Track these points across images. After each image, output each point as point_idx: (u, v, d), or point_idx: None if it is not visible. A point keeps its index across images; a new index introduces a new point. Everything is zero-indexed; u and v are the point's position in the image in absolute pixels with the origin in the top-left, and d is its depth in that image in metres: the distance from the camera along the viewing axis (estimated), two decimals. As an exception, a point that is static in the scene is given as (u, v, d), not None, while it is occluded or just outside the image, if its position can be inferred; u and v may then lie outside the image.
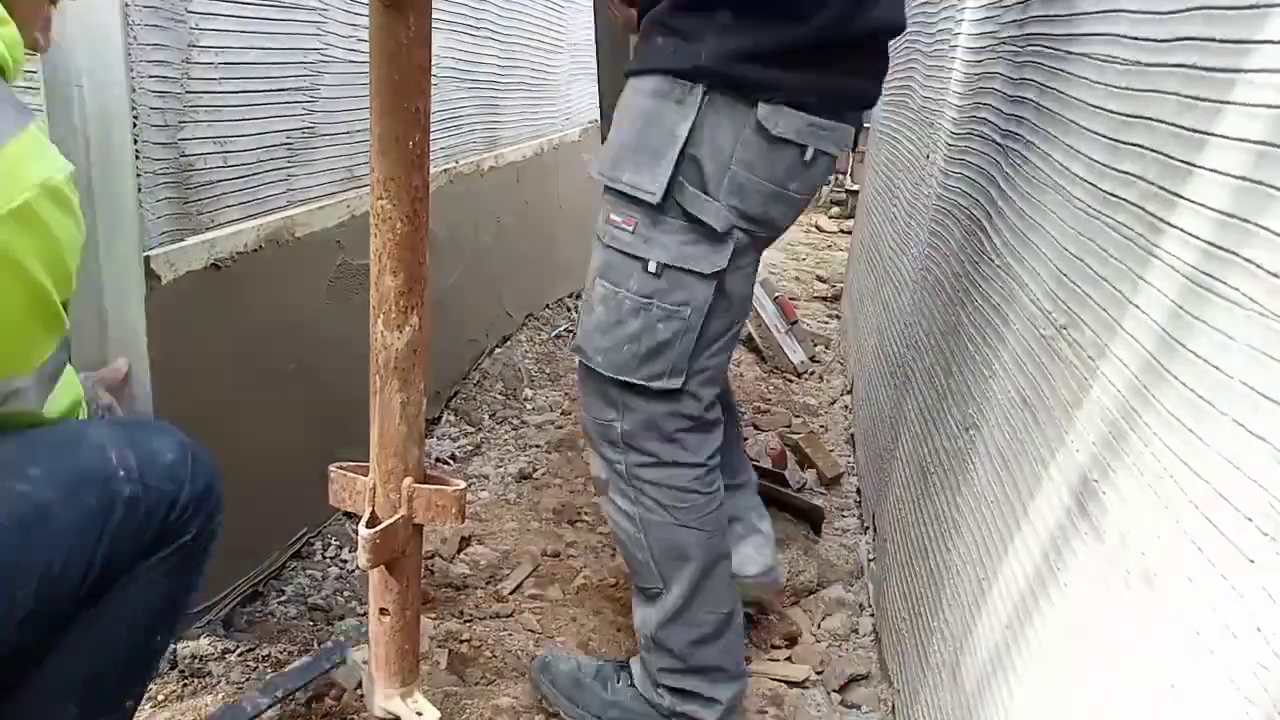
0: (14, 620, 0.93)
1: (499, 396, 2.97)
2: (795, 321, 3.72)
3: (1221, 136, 0.72)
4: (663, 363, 1.41)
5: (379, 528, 1.21)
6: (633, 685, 1.58)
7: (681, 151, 1.32)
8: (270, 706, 1.44)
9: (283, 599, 1.82)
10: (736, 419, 1.92)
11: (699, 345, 1.42)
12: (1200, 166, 0.75)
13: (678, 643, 1.52)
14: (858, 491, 2.54)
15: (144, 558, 1.04)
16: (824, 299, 4.72)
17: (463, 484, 1.25)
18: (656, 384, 1.42)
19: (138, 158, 1.35)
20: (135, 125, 1.33)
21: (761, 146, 1.34)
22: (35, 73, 1.30)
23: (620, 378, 1.42)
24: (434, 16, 1.09)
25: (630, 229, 1.37)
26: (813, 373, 3.56)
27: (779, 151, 1.35)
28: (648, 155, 1.34)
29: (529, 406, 2.97)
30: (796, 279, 5.10)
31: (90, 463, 0.99)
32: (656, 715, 1.56)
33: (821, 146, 1.37)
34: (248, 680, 1.57)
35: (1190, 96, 0.79)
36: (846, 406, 3.19)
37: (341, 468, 1.29)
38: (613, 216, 1.39)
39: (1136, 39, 0.93)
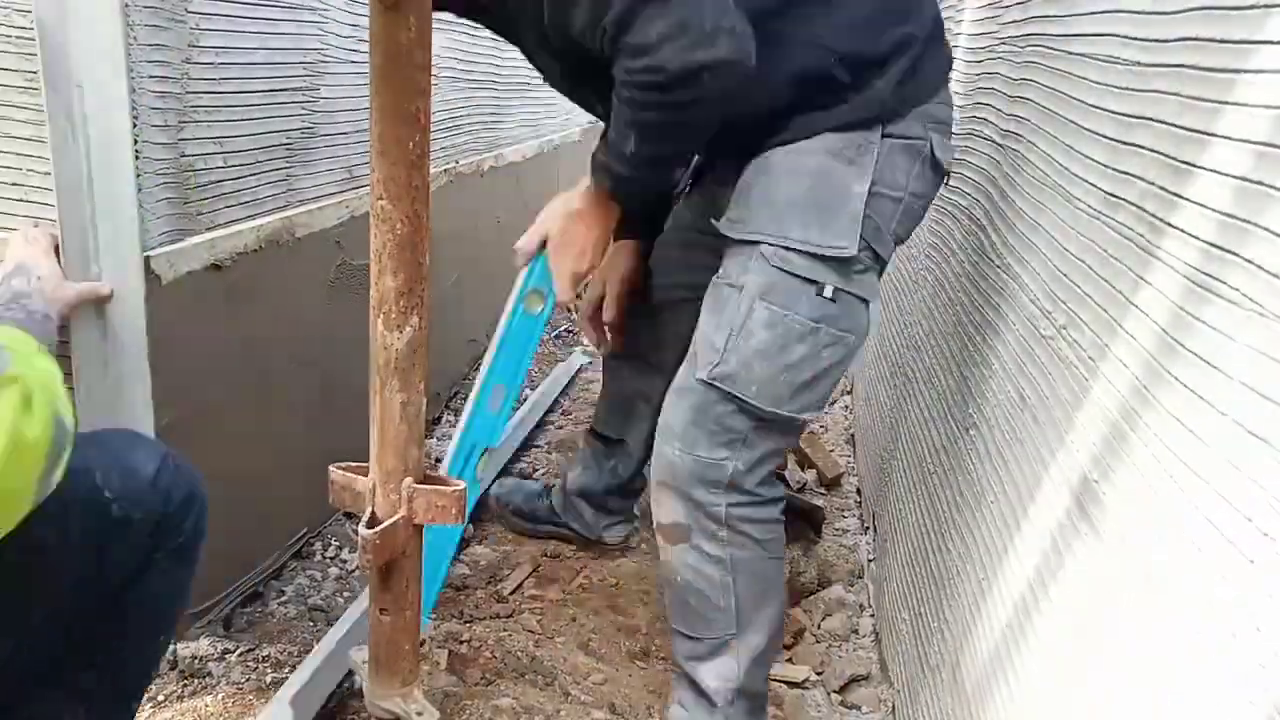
0: (27, 649, 0.97)
1: (499, 396, 2.97)
2: (795, 321, 3.71)
3: (1222, 137, 0.72)
4: (816, 393, 1.38)
5: (379, 528, 1.21)
6: None
7: (866, 203, 1.33)
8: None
9: (283, 599, 1.82)
10: None
11: None
12: (1200, 166, 0.75)
13: (759, 681, 1.48)
14: (858, 491, 2.54)
15: (141, 567, 1.06)
16: (824, 299, 4.72)
17: (463, 484, 1.25)
18: (805, 415, 1.39)
19: (138, 158, 1.34)
20: (135, 125, 1.33)
21: (929, 176, 1.39)
22: (36, 73, 1.30)
23: (770, 410, 1.35)
24: (434, 17, 1.09)
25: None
26: (813, 373, 3.55)
27: (938, 179, 1.42)
28: (819, 211, 1.33)
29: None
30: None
31: (78, 488, 1.00)
32: None
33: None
34: (248, 681, 1.57)
35: (1190, 96, 0.79)
36: (846, 406, 3.19)
37: (341, 468, 1.29)
38: None
39: (1137, 39, 0.93)
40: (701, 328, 1.41)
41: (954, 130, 1.47)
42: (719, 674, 1.45)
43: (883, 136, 1.34)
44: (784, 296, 1.33)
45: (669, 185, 1.54)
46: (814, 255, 1.32)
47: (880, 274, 1.41)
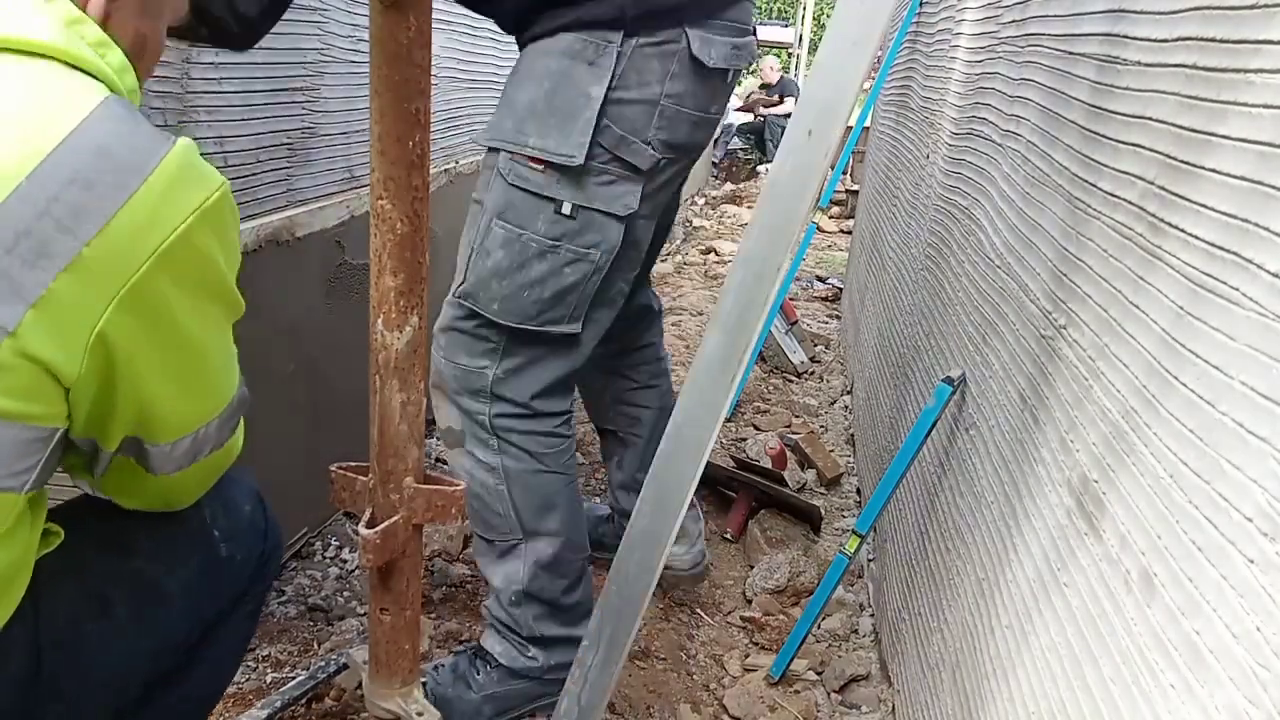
0: (129, 691, 0.95)
1: (499, 396, 2.96)
2: (795, 321, 3.72)
3: (1222, 137, 0.72)
4: (564, 308, 1.38)
5: (379, 528, 1.21)
6: (499, 665, 1.51)
7: (601, 109, 1.30)
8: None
9: (283, 599, 1.82)
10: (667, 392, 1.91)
11: (600, 293, 1.41)
12: (1201, 167, 0.75)
13: (552, 591, 1.49)
14: (858, 491, 2.54)
15: (234, 607, 1.05)
16: (824, 299, 4.72)
17: (462, 484, 1.25)
18: (558, 328, 1.39)
19: (138, 158, 1.34)
20: (135, 125, 1.33)
21: (692, 79, 1.35)
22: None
23: (517, 324, 1.37)
24: (434, 16, 1.09)
25: (540, 168, 1.32)
26: (813, 373, 3.55)
27: (710, 80, 1.37)
28: (558, 117, 1.31)
29: (529, 406, 2.96)
30: (796, 279, 5.10)
31: (190, 527, 0.99)
32: (533, 680, 1.51)
33: (740, 65, 1.42)
34: (248, 680, 1.57)
35: (1190, 97, 0.79)
36: (846, 406, 3.18)
37: (341, 468, 1.29)
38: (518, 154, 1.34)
39: (1137, 39, 0.93)
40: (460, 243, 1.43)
41: (740, 42, 1.41)
42: (506, 576, 1.49)
43: (626, 37, 1.29)
44: (520, 215, 1.34)
45: None
46: (552, 165, 1.31)
47: (653, 184, 1.39)
